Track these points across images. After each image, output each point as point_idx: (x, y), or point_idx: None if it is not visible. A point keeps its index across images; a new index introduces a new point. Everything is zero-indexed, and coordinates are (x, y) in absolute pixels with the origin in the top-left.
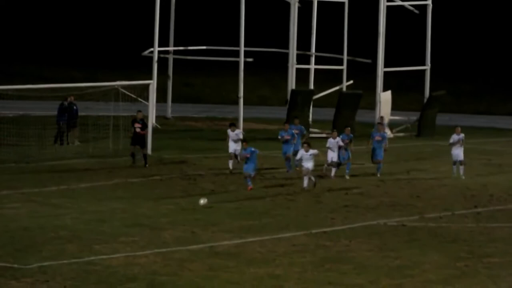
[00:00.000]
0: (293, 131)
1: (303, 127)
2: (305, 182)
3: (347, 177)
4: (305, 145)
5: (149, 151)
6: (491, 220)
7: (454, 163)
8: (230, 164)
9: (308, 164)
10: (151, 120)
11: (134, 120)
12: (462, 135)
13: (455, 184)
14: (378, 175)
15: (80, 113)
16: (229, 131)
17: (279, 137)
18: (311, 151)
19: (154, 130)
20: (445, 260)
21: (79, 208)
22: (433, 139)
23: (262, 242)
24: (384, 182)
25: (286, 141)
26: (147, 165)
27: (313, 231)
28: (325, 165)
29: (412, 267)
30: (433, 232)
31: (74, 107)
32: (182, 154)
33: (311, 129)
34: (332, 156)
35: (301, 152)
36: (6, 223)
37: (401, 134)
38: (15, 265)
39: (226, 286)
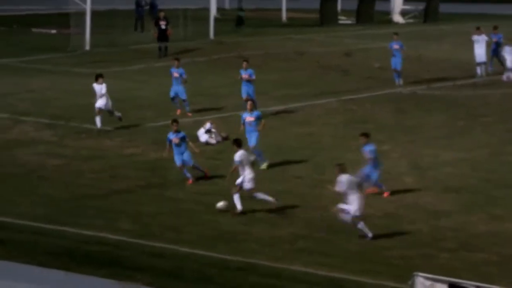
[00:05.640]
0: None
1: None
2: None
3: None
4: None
5: (211, 35)
6: (485, 88)
7: (478, 64)
8: None
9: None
10: (213, 11)
11: (158, 18)
12: (483, 35)
13: (456, 59)
14: (400, 83)
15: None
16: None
17: None
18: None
19: (215, 19)
20: (448, 120)
21: (156, 83)
22: (437, 24)
23: (301, 107)
24: None
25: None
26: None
27: (343, 98)
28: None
29: (422, 126)
30: (438, 98)
31: (155, 3)
32: (237, 38)
33: (339, 17)
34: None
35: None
36: None
37: (411, 21)
38: (108, 128)
39: (274, 141)
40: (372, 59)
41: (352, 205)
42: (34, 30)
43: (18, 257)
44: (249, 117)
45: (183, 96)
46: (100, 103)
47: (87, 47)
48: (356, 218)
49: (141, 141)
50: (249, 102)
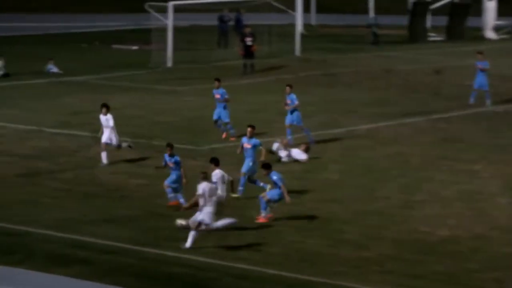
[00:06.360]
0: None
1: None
2: None
3: None
4: None
5: (297, 52)
6: None
7: None
8: None
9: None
10: (299, 27)
11: (243, 34)
12: None
13: None
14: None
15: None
16: None
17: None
18: None
19: (301, 35)
20: None
21: (241, 100)
22: None
23: (391, 126)
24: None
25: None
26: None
27: (432, 116)
28: None
29: None
30: None
31: (240, 18)
32: (323, 54)
33: (429, 34)
34: None
35: None
36: (183, 113)
37: (504, 37)
38: (191, 147)
39: (363, 161)
40: (463, 76)
41: (202, 212)
42: (114, 46)
43: (101, 278)
44: (246, 144)
45: (226, 118)
46: (105, 137)
47: (169, 64)
48: (195, 225)
49: (226, 161)
50: (249, 129)
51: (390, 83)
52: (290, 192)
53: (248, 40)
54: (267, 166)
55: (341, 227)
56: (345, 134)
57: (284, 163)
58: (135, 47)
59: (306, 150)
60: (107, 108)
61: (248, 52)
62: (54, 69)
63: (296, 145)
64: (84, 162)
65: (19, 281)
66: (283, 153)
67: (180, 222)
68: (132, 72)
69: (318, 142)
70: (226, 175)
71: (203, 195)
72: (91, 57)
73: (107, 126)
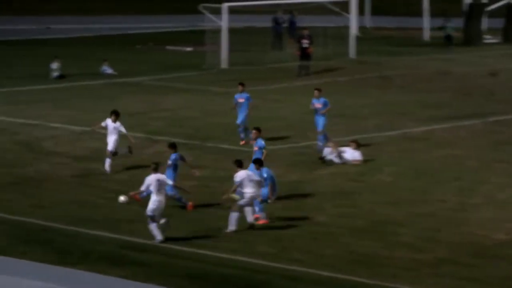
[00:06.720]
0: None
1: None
2: None
3: None
4: None
5: (352, 54)
6: None
7: None
8: None
9: None
10: (354, 30)
11: (301, 36)
12: None
13: None
14: None
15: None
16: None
17: None
18: None
19: (356, 37)
20: None
21: (295, 102)
22: None
23: (446, 129)
24: None
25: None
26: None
27: (488, 119)
28: None
29: None
30: None
31: (294, 20)
32: (378, 57)
33: (485, 36)
34: None
35: None
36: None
37: None
38: (245, 148)
39: (416, 164)
40: None
41: (150, 204)
42: (168, 48)
43: (155, 279)
44: (254, 147)
45: (242, 123)
46: (111, 145)
47: (223, 65)
48: (149, 218)
49: (280, 163)
50: (254, 131)
51: (445, 85)
52: (344, 193)
53: (305, 42)
54: (258, 162)
55: (395, 229)
56: (400, 136)
57: (337, 165)
58: (189, 49)
59: (358, 147)
60: (116, 115)
61: (304, 54)
62: (109, 70)
63: (345, 145)
64: (137, 163)
65: (74, 281)
66: (333, 155)
67: (122, 198)
68: (186, 73)
69: (373, 144)
70: (252, 176)
71: (156, 187)
72: (145, 58)
73: (114, 133)
